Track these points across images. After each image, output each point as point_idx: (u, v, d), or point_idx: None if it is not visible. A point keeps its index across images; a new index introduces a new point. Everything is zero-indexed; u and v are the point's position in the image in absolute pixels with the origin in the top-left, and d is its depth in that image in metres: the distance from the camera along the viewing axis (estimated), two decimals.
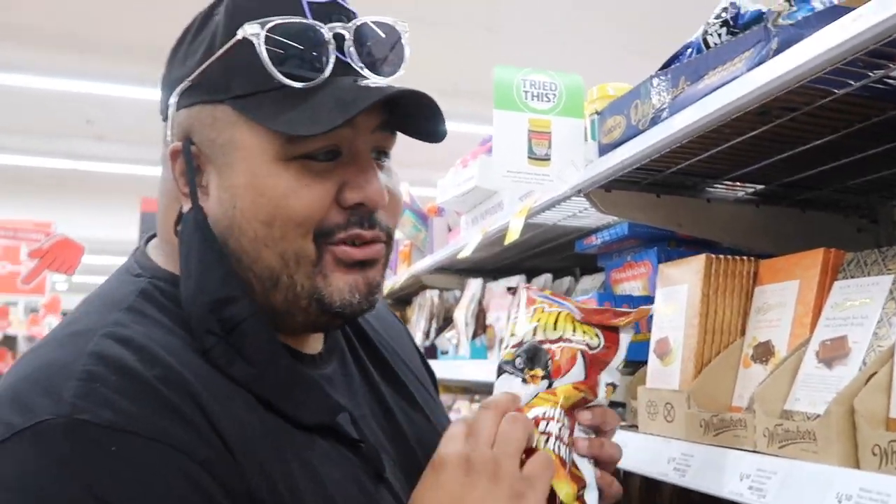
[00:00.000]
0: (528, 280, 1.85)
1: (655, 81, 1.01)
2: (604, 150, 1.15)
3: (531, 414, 0.69)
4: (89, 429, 0.52)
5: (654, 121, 1.00)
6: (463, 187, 1.64)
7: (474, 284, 1.99)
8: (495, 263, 2.23)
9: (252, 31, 0.64)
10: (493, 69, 1.22)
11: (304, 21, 0.65)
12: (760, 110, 0.90)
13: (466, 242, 1.76)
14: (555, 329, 0.74)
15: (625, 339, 0.76)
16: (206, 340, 0.63)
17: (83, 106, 6.41)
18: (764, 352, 0.92)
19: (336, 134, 0.65)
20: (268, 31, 0.64)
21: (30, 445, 0.51)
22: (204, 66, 0.67)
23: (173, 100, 0.69)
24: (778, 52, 0.80)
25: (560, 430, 0.69)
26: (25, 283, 7.06)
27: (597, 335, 0.74)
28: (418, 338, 2.37)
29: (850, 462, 0.68)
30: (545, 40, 5.07)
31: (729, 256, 1.01)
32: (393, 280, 2.67)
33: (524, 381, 0.72)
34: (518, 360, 0.74)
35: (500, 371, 0.75)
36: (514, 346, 0.75)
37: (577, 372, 0.72)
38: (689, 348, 0.98)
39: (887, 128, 0.96)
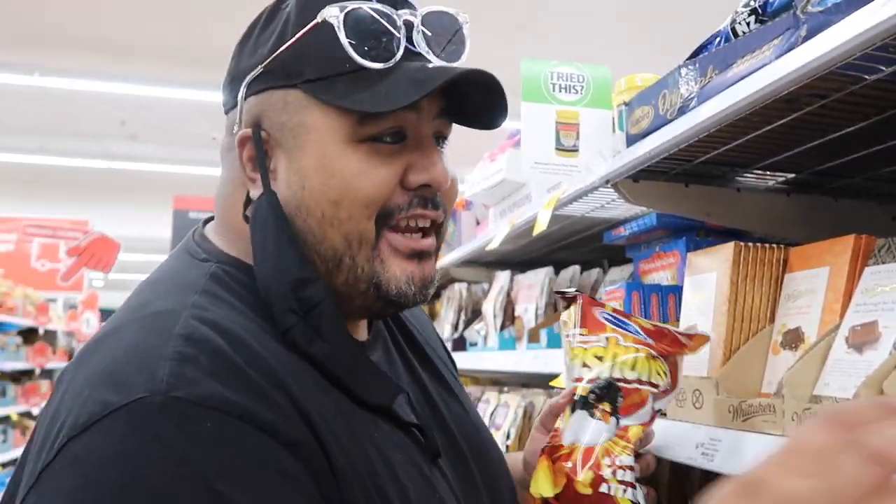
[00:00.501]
0: (556, 272, 1.86)
1: (683, 71, 1.01)
2: (632, 140, 1.16)
3: (614, 461, 0.72)
4: (183, 405, 0.53)
5: (682, 110, 1.01)
6: (491, 180, 1.65)
7: (502, 277, 2.00)
8: (523, 256, 2.24)
9: (332, 13, 0.66)
10: (521, 62, 1.23)
11: (380, 7, 0.68)
12: (788, 98, 0.91)
13: (494, 235, 1.77)
14: (633, 370, 0.76)
15: (680, 364, 0.80)
16: (287, 319, 0.65)
17: (117, 107, 6.56)
18: (794, 338, 0.92)
19: (402, 117, 0.68)
20: (346, 15, 0.66)
21: (125, 422, 0.52)
22: (277, 52, 0.69)
23: (243, 89, 0.71)
24: (807, 38, 0.81)
25: (634, 477, 0.72)
26: (64, 281, 7.29)
27: (666, 373, 0.78)
28: (447, 330, 2.39)
29: None
30: (574, 38, 5.06)
31: (758, 244, 1.02)
32: None
33: (592, 415, 0.75)
34: (591, 396, 0.77)
35: (574, 407, 0.77)
36: (589, 381, 0.78)
37: (646, 412, 0.76)
38: (718, 335, 0.98)
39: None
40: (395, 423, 0.70)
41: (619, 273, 1.72)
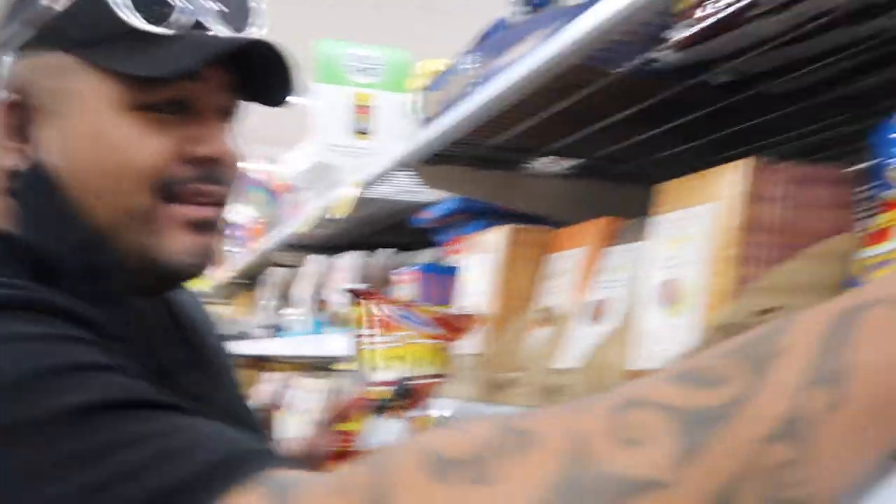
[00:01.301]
0: (370, 255, 1.86)
1: (467, 58, 1.04)
2: (426, 122, 1.18)
3: None
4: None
5: (464, 95, 1.04)
6: (304, 164, 1.62)
7: (314, 261, 1.97)
8: (341, 240, 2.23)
9: None
10: (314, 42, 1.21)
11: None
12: (556, 87, 0.96)
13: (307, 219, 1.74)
14: (430, 365, 0.78)
15: None
16: (77, 287, 0.61)
17: None
18: (546, 316, 0.98)
19: (183, 87, 0.64)
20: None
21: None
22: (46, 12, 0.63)
23: (5, 52, 0.65)
24: (559, 30, 0.85)
25: None
26: None
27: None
28: (264, 316, 2.32)
29: None
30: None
31: (532, 227, 1.07)
32: (242, 258, 2.60)
33: (391, 416, 0.76)
34: (391, 399, 0.77)
35: (373, 410, 0.77)
36: (389, 384, 0.77)
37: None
38: (493, 315, 1.03)
39: (674, 106, 1.04)
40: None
41: (429, 256, 1.75)
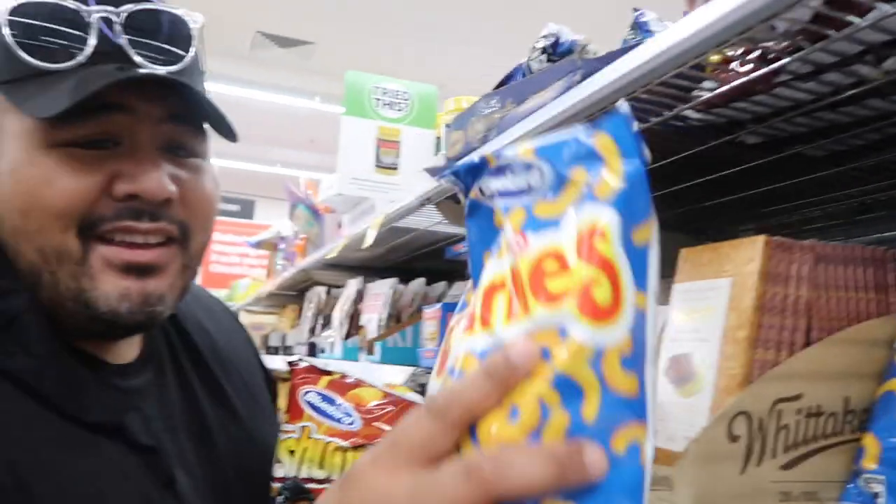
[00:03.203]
0: (405, 282, 1.86)
1: (488, 101, 1.02)
2: (450, 163, 1.16)
3: None
4: None
5: (485, 139, 1.02)
6: (330, 191, 1.63)
7: (353, 284, 1.98)
8: (384, 262, 2.23)
9: None
10: (345, 74, 1.21)
11: (58, 2, 0.62)
12: None
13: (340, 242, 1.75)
14: (321, 468, 0.68)
15: None
16: (16, 329, 0.60)
17: None
18: None
19: (109, 121, 0.62)
20: (12, 13, 0.61)
21: None
22: None
23: None
24: (581, 82, 0.83)
25: None
26: None
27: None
28: (304, 334, 2.35)
29: None
30: None
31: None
32: (287, 272, 2.64)
33: None
34: (281, 498, 0.69)
35: None
36: (279, 480, 0.70)
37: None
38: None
39: (706, 161, 1.00)
40: (126, 446, 0.65)
41: (462, 288, 1.73)
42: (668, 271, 0.85)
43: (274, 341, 2.99)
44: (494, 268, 0.38)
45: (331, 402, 0.70)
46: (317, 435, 0.68)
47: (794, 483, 0.62)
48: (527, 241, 0.36)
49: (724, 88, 0.77)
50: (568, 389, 0.34)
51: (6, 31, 0.61)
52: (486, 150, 1.02)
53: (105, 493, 0.61)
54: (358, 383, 0.73)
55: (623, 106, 0.36)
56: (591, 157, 0.36)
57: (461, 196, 0.40)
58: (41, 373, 0.61)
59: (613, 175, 0.35)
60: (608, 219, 0.35)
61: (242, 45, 5.98)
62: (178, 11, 0.67)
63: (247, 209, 8.13)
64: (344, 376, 0.73)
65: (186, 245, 0.68)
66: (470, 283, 0.40)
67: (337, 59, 5.89)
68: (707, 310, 0.68)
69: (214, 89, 0.72)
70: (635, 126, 0.36)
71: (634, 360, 0.35)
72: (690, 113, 0.85)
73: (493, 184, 0.38)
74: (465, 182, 0.40)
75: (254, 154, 7.89)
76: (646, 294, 0.36)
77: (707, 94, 0.79)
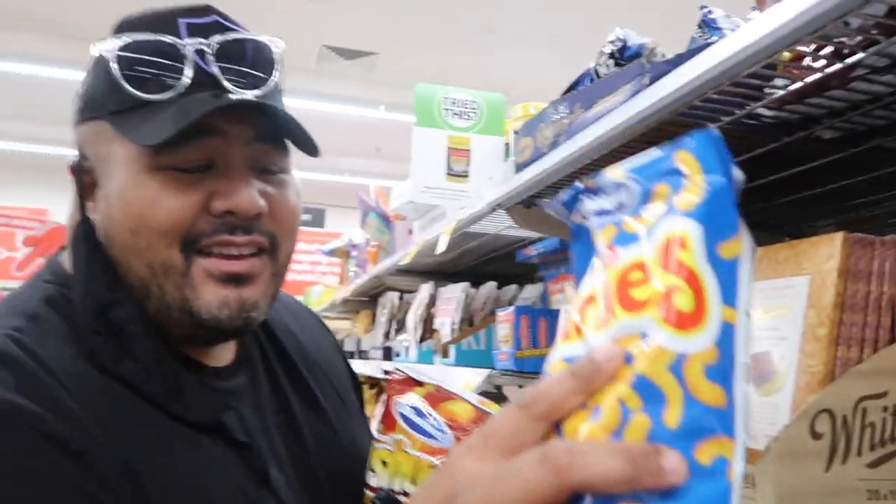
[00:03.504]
0: (476, 286, 1.89)
1: (556, 107, 1.04)
2: (518, 168, 1.18)
3: None
4: None
5: (553, 144, 1.04)
6: (400, 199, 1.68)
7: (425, 289, 2.02)
8: (451, 267, 2.27)
9: (105, 47, 0.67)
10: (416, 87, 1.25)
11: (159, 38, 0.67)
12: (647, 140, 0.94)
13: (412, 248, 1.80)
14: (412, 483, 0.68)
15: None
16: (92, 342, 0.66)
17: None
18: None
19: (205, 145, 0.67)
20: (120, 49, 0.66)
21: None
22: (90, 88, 0.70)
23: (75, 118, 0.72)
24: (649, 85, 0.84)
25: None
26: (19, 270, 7.17)
27: None
28: (379, 339, 2.41)
29: None
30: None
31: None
32: (360, 279, 2.71)
33: None
34: None
35: None
36: (372, 490, 0.70)
37: None
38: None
39: (783, 157, 0.99)
40: (224, 442, 0.70)
41: (533, 291, 1.75)
42: None
43: (349, 346, 3.08)
44: (589, 283, 0.40)
45: (424, 415, 0.71)
46: (410, 450, 0.69)
47: (882, 481, 0.61)
48: (616, 255, 0.38)
49: (798, 85, 0.77)
50: (648, 392, 0.34)
51: (114, 66, 0.67)
52: (553, 157, 1.04)
53: (207, 486, 0.66)
54: (451, 396, 0.74)
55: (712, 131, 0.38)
56: (673, 173, 0.37)
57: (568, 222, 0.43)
58: (148, 375, 0.66)
59: (694, 189, 0.37)
60: (689, 229, 0.36)
61: (309, 60, 6.17)
62: (262, 38, 0.72)
63: (318, 218, 8.35)
64: (438, 389, 0.74)
65: (275, 255, 0.73)
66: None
67: (400, 68, 6.00)
68: (785, 308, 0.68)
69: (285, 103, 0.77)
70: (720, 144, 0.37)
71: (721, 371, 0.35)
72: (763, 111, 0.84)
73: (589, 205, 0.40)
74: (569, 208, 0.42)
75: (323, 164, 8.10)
76: (735, 309, 0.36)
77: (780, 92, 0.79)
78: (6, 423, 0.56)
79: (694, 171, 0.37)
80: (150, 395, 0.66)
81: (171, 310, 0.69)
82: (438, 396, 0.74)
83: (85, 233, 0.70)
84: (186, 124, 0.64)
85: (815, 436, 0.60)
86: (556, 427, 0.38)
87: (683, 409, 0.34)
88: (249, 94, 0.69)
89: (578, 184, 0.41)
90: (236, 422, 0.72)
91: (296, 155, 0.73)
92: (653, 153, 0.39)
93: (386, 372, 0.76)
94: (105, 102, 0.69)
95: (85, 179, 0.72)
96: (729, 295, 0.36)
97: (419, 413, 0.70)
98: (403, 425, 0.70)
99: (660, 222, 0.37)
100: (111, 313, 0.67)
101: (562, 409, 0.37)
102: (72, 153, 0.74)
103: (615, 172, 0.40)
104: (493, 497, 0.37)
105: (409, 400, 0.71)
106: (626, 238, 0.38)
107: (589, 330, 0.38)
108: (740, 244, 0.37)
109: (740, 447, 0.35)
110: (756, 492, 0.61)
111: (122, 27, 0.70)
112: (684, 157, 0.37)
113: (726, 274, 0.36)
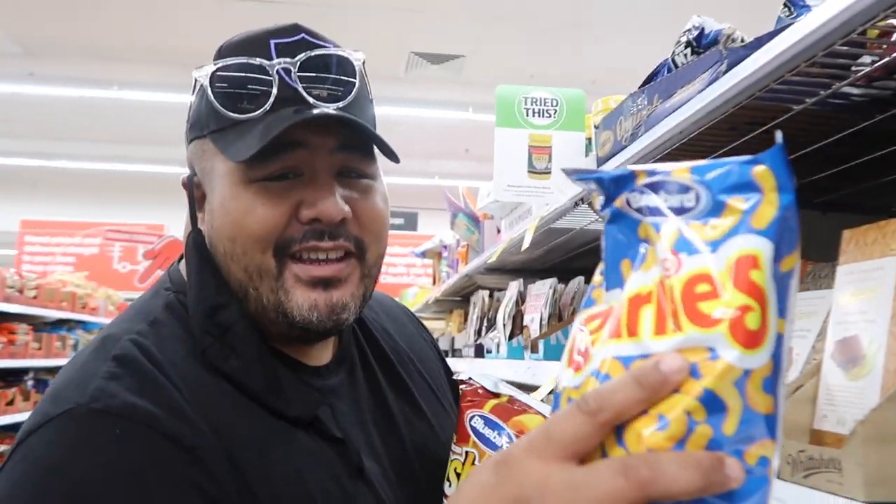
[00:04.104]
0: (564, 282, 1.89)
1: (635, 99, 1.05)
2: (599, 162, 1.19)
3: None
4: (97, 415, 0.63)
5: (633, 137, 1.04)
6: (487, 199, 1.71)
7: (513, 286, 2.05)
8: (542, 264, 2.28)
9: (200, 73, 0.74)
10: (497, 89, 1.28)
11: (248, 60, 0.73)
12: (729, 126, 0.93)
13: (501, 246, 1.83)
14: None
15: None
16: (203, 341, 0.73)
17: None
18: None
19: (291, 157, 0.72)
20: (213, 73, 0.73)
21: (54, 430, 0.63)
22: (195, 109, 0.78)
23: (186, 137, 0.80)
24: (727, 71, 0.83)
25: None
26: (141, 282, 7.76)
27: None
28: (471, 337, 2.45)
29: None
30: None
31: None
32: (451, 279, 2.77)
33: None
34: None
35: None
36: (448, 498, 0.71)
37: None
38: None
39: (878, 135, 0.95)
40: (320, 437, 0.74)
41: None
42: (834, 254, 0.83)
43: (443, 345, 3.15)
44: (640, 279, 0.40)
45: (495, 427, 0.72)
46: (481, 462, 0.69)
47: None
48: (680, 262, 0.39)
49: (885, 60, 0.75)
50: (713, 405, 0.36)
51: (208, 90, 0.74)
52: (634, 148, 1.04)
53: (305, 479, 0.70)
54: (524, 409, 0.75)
55: (778, 137, 0.38)
56: (750, 188, 0.38)
57: (596, 199, 0.43)
58: (249, 372, 0.72)
59: (770, 207, 0.37)
60: (762, 249, 0.37)
61: (398, 68, 6.32)
62: (343, 52, 0.77)
63: (411, 221, 8.53)
64: (512, 400, 0.75)
65: (363, 258, 0.77)
66: (600, 280, 0.44)
67: (486, 68, 6.04)
68: (874, 290, 0.66)
69: (375, 111, 0.82)
70: (787, 157, 0.38)
71: (773, 381, 0.37)
72: (850, 89, 0.82)
73: (643, 199, 0.41)
74: (608, 190, 0.42)
75: (414, 168, 8.27)
76: (786, 320, 0.37)
77: (867, 69, 0.76)
78: (127, 422, 0.63)
79: (769, 189, 0.37)
80: (252, 391, 0.71)
81: (267, 311, 0.74)
82: (510, 409, 0.75)
83: (196, 242, 0.78)
84: (268, 141, 0.69)
85: None
86: (615, 431, 0.39)
87: (741, 419, 0.36)
88: (331, 107, 0.73)
89: (629, 168, 0.42)
90: (332, 417, 0.76)
91: (389, 163, 0.77)
92: (725, 162, 0.39)
93: (459, 383, 0.78)
94: (207, 123, 0.75)
95: (196, 193, 0.80)
96: (783, 307, 0.37)
97: (489, 424, 0.72)
98: (475, 438, 0.72)
99: (731, 237, 0.38)
100: (219, 315, 0.74)
101: (625, 416, 0.39)
102: (184, 171, 0.82)
103: (683, 175, 0.39)
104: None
105: (481, 412, 0.72)
106: (692, 247, 0.39)
107: (646, 334, 0.39)
108: (797, 257, 0.38)
109: (779, 446, 0.37)
110: (843, 476, 0.60)
111: (221, 52, 0.77)
112: (762, 173, 0.37)
113: (783, 287, 0.37)
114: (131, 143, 8.16)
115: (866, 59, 0.77)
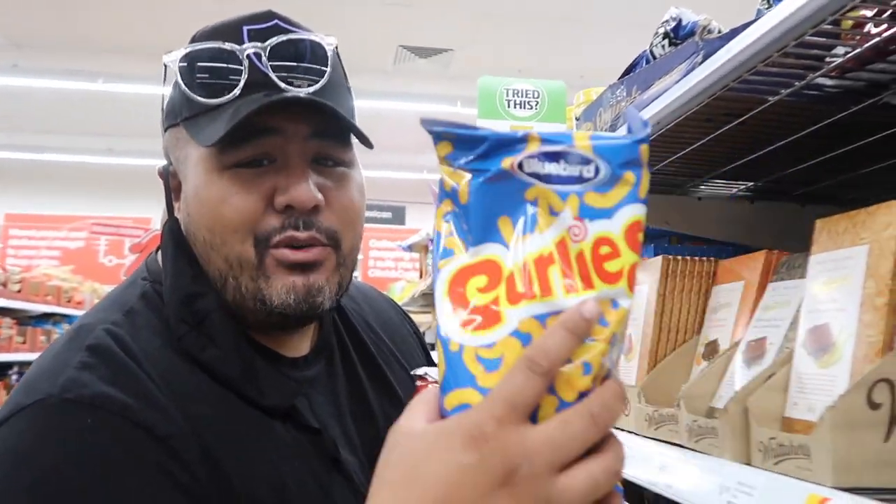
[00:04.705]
0: None
1: (614, 91, 1.05)
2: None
3: None
4: (70, 405, 0.62)
5: (612, 128, 1.05)
6: None
7: None
8: None
9: (170, 58, 0.73)
10: (478, 80, 1.28)
11: (217, 45, 0.72)
12: (705, 117, 0.93)
13: None
14: None
15: None
16: (179, 329, 0.72)
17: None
18: (712, 350, 0.95)
19: (263, 143, 0.71)
20: (182, 59, 0.73)
21: (25, 420, 0.62)
22: (168, 97, 0.77)
23: (161, 126, 0.79)
24: (703, 62, 0.84)
25: None
26: (128, 276, 7.72)
27: None
28: None
29: (743, 457, 0.72)
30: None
31: (687, 257, 1.05)
32: None
33: None
34: None
35: None
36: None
37: None
38: (645, 346, 1.02)
39: (855, 127, 0.96)
40: (296, 428, 0.74)
41: None
42: (808, 245, 0.83)
43: (429, 338, 3.14)
44: (538, 241, 0.45)
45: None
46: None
47: None
48: (585, 228, 0.45)
49: (857, 51, 0.75)
50: (615, 343, 0.44)
51: (178, 77, 0.73)
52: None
53: (279, 467, 0.70)
54: None
55: (643, 117, 0.45)
56: (637, 164, 0.44)
57: (450, 149, 0.46)
58: (225, 362, 0.72)
59: (646, 180, 0.44)
60: (643, 215, 0.45)
61: (386, 61, 6.31)
62: (315, 37, 0.75)
63: (398, 215, 8.51)
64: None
65: (338, 246, 0.76)
66: (449, 229, 0.47)
67: (474, 63, 6.03)
68: (844, 279, 0.67)
69: (362, 105, 0.81)
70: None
71: None
72: (824, 80, 0.82)
73: (540, 167, 0.45)
74: (490, 148, 0.45)
75: (402, 162, 8.25)
76: None
77: (839, 60, 0.77)
78: (99, 412, 0.62)
79: (645, 164, 0.44)
80: (228, 380, 0.71)
81: (245, 299, 0.73)
82: None
83: (172, 230, 0.77)
84: (235, 123, 0.68)
85: (873, 405, 0.59)
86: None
87: (622, 346, 0.47)
88: (302, 92, 0.72)
89: (522, 132, 0.45)
90: (308, 408, 0.76)
91: (376, 154, 0.76)
92: (616, 138, 0.45)
93: (418, 377, 0.79)
94: (180, 110, 0.75)
95: (172, 182, 0.79)
96: None
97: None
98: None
99: (624, 206, 0.44)
100: (195, 304, 0.73)
101: (561, 361, 0.43)
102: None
103: (580, 145, 0.44)
104: (559, 460, 0.43)
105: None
106: (592, 213, 0.45)
107: (559, 292, 0.44)
108: None
109: None
110: (812, 462, 0.61)
111: (194, 38, 0.76)
112: (644, 151, 0.44)
113: None
114: (117, 135, 8.09)
115: (840, 50, 0.78)
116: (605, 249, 0.44)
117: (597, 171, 0.44)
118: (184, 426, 0.65)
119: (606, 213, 0.44)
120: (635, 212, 0.44)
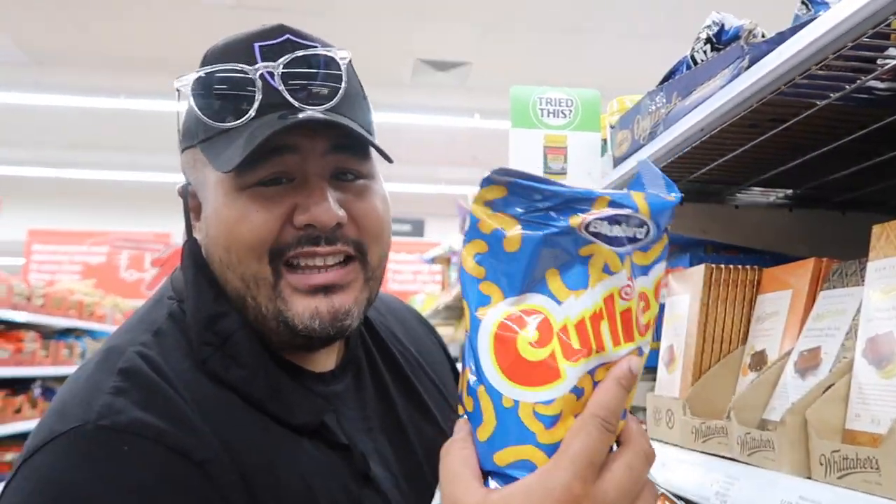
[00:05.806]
0: None
1: (653, 98, 1.04)
2: (617, 162, 1.18)
3: None
4: (106, 432, 0.61)
5: (651, 136, 1.03)
6: None
7: None
8: None
9: (180, 83, 0.73)
10: (510, 89, 1.27)
11: (229, 66, 0.71)
12: (750, 123, 0.92)
13: None
14: None
15: None
16: (202, 352, 0.71)
17: None
18: (759, 360, 0.93)
19: (280, 162, 0.70)
20: (194, 83, 0.72)
21: (61, 447, 0.61)
22: (185, 119, 0.77)
23: (179, 147, 0.78)
24: (749, 67, 0.82)
25: None
26: (149, 290, 7.77)
27: None
28: None
29: (803, 471, 0.70)
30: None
31: (730, 266, 1.03)
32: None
33: None
34: None
35: None
36: None
37: None
38: (689, 357, 1.00)
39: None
40: (325, 444, 0.73)
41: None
42: (854, 252, 0.81)
43: (452, 351, 3.13)
44: (590, 298, 0.46)
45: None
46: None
47: None
48: (633, 287, 0.47)
49: None
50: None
51: (191, 98, 0.72)
52: (652, 147, 1.03)
53: (311, 485, 0.69)
54: None
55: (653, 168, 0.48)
56: (670, 220, 0.48)
57: (501, 194, 0.47)
58: (252, 381, 0.71)
59: (666, 237, 0.48)
60: (663, 272, 0.49)
61: (404, 75, 6.33)
62: (328, 51, 0.74)
63: (417, 228, 8.53)
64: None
65: (365, 260, 0.75)
66: (483, 273, 0.48)
67: (492, 75, 6.04)
68: None
69: (381, 118, 0.80)
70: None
71: None
72: (875, 83, 0.81)
73: (610, 229, 0.46)
74: (562, 205, 0.46)
75: (420, 175, 8.27)
76: None
77: (893, 62, 0.75)
78: (135, 438, 0.61)
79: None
80: (256, 400, 0.70)
81: (267, 319, 0.73)
82: None
83: (192, 251, 0.77)
84: (252, 149, 0.67)
85: None
86: None
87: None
88: (318, 109, 0.71)
89: (595, 192, 0.46)
90: (337, 424, 0.75)
91: (395, 167, 0.75)
92: (662, 196, 0.47)
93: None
94: (196, 132, 0.74)
95: (191, 202, 0.79)
96: None
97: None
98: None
99: (658, 262, 0.48)
100: (218, 324, 0.72)
101: (619, 415, 0.48)
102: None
103: (644, 209, 0.46)
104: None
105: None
106: (637, 270, 0.47)
107: (609, 346, 0.47)
108: None
109: None
110: (882, 476, 0.59)
111: (206, 58, 0.75)
112: (674, 207, 0.47)
113: None
114: (138, 151, 8.18)
115: (893, 51, 0.76)
116: (642, 304, 0.48)
117: (647, 232, 0.46)
118: (219, 449, 0.64)
119: (645, 270, 0.47)
120: (664, 267, 0.48)
